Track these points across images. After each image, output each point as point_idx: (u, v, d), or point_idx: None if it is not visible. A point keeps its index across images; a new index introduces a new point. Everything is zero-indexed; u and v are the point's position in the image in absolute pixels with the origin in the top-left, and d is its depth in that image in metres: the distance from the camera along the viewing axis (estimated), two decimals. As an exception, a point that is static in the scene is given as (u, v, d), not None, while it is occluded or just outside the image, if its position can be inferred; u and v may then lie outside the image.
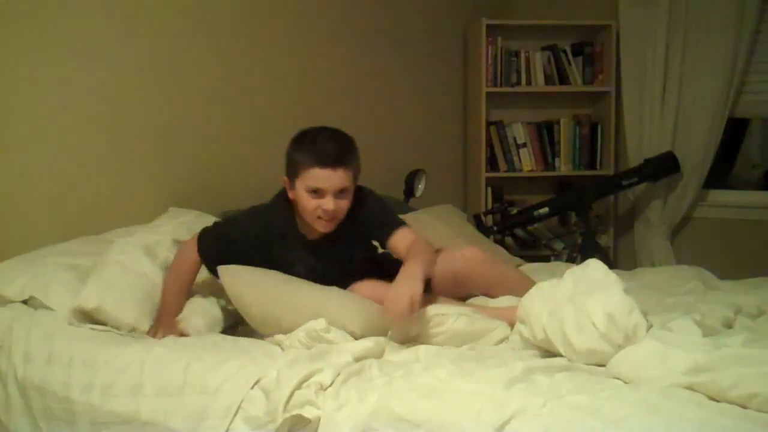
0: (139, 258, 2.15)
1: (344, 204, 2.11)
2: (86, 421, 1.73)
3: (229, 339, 1.98)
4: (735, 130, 4.37)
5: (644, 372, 1.52)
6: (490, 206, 4.04)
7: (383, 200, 2.35)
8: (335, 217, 2.10)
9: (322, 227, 2.11)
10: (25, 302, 2.05)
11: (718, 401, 1.42)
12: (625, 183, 3.81)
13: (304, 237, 2.19)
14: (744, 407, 1.38)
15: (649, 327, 1.70)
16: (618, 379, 1.57)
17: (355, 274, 2.15)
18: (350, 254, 2.23)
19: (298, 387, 1.54)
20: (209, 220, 2.58)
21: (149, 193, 2.64)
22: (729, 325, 1.95)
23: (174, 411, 1.63)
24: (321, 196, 2.07)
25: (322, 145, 2.10)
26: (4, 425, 1.86)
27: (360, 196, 2.23)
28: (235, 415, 1.55)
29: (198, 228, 2.49)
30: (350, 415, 1.49)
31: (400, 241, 2.18)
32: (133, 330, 1.99)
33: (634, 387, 1.50)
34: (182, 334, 2.00)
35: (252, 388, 1.61)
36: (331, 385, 1.56)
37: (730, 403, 1.39)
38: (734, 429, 1.30)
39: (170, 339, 1.94)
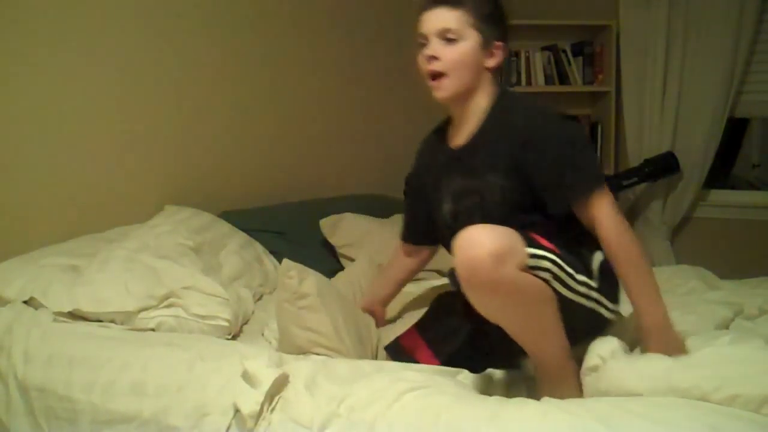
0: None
1: (453, 53, 1.70)
2: (87, 420, 1.72)
3: (233, 342, 1.99)
4: (735, 130, 4.37)
5: (625, 384, 1.50)
6: (490, 206, 4.04)
7: (559, 122, 1.69)
8: (443, 74, 1.72)
9: (433, 90, 1.75)
10: (25, 302, 2.05)
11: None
12: (625, 183, 3.82)
13: (448, 145, 1.84)
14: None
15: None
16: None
17: (499, 222, 1.57)
18: (485, 179, 1.71)
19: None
20: (206, 218, 2.59)
21: (145, 192, 2.64)
22: (726, 326, 1.96)
23: (175, 407, 1.63)
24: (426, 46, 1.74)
25: None
26: (5, 425, 1.86)
27: (507, 97, 1.78)
28: (237, 411, 1.55)
29: (196, 226, 2.49)
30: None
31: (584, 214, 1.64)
32: (128, 317, 1.99)
33: (618, 398, 1.48)
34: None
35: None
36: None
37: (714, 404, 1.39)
38: (716, 426, 1.30)
39: (170, 338, 1.94)
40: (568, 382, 1.61)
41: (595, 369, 1.57)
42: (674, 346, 1.58)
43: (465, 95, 1.77)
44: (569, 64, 4.15)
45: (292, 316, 1.90)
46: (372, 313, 2.10)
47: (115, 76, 2.53)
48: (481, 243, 1.50)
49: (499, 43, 1.76)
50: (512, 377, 1.75)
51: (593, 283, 1.66)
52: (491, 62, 1.76)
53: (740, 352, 1.48)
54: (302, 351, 1.87)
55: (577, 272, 1.63)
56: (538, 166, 1.66)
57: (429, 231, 2.00)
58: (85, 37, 2.44)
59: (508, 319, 1.59)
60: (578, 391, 1.61)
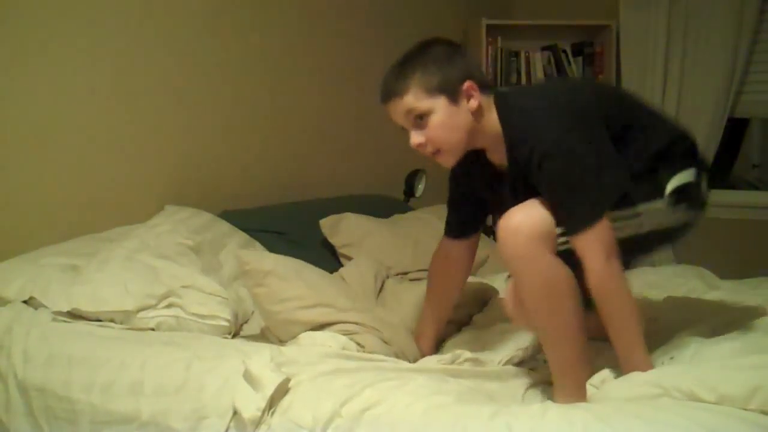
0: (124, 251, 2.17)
1: (431, 131, 1.69)
2: (87, 420, 1.72)
3: (231, 340, 1.99)
4: (735, 130, 4.37)
5: (618, 395, 1.52)
6: (490, 206, 4.04)
7: (556, 133, 1.61)
8: (437, 150, 1.72)
9: (440, 163, 1.78)
10: (25, 302, 2.05)
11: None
12: (625, 183, 3.81)
13: (489, 161, 1.81)
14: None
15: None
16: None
17: None
18: (533, 194, 1.68)
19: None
20: (206, 218, 2.59)
21: (145, 192, 2.64)
22: (725, 326, 1.96)
23: (174, 409, 1.63)
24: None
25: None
26: (5, 425, 1.86)
27: (508, 110, 1.71)
28: (235, 413, 1.55)
29: (195, 225, 2.49)
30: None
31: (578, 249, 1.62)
32: (127, 317, 1.99)
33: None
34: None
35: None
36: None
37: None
38: (711, 426, 1.31)
39: (168, 337, 1.94)
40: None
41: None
42: None
43: (472, 141, 1.73)
44: (569, 64, 4.15)
45: (266, 296, 1.92)
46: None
47: (114, 76, 2.53)
48: (519, 221, 1.59)
49: (467, 83, 1.68)
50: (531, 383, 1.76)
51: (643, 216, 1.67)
52: (473, 104, 1.69)
53: (724, 352, 1.50)
54: (292, 329, 1.88)
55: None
56: (542, 188, 1.64)
57: (474, 221, 2.02)
58: (84, 37, 2.44)
59: (536, 305, 1.61)
60: None
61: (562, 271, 1.60)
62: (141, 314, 1.98)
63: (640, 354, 1.61)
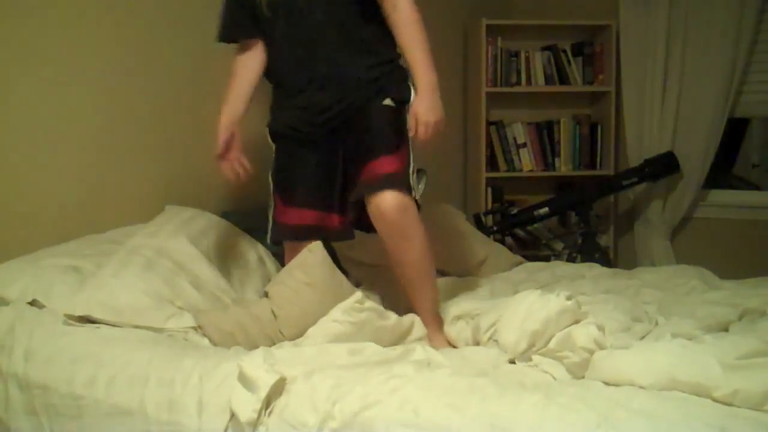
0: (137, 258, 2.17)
1: None
2: (91, 415, 1.73)
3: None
4: (735, 130, 4.37)
5: (629, 375, 1.52)
6: (490, 206, 4.04)
7: None
8: None
9: None
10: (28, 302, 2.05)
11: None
12: (625, 183, 3.81)
13: None
14: (729, 405, 1.39)
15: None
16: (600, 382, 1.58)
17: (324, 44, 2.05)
18: None
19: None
20: (209, 219, 2.59)
21: (145, 192, 2.64)
22: (726, 326, 1.96)
23: (177, 403, 1.63)
24: None
25: None
26: (5, 424, 1.86)
27: None
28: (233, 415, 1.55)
29: (200, 227, 2.49)
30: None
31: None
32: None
33: (618, 389, 1.50)
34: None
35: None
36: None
37: (715, 401, 1.40)
38: (721, 426, 1.30)
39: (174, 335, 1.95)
40: (440, 334, 2.03)
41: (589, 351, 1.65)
42: (436, 106, 2.12)
43: None
44: (569, 64, 4.15)
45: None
46: (233, 135, 2.30)
47: (114, 76, 2.53)
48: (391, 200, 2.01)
49: None
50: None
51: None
52: None
53: (740, 348, 1.49)
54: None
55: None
56: None
57: (251, 24, 2.17)
58: (83, 38, 2.44)
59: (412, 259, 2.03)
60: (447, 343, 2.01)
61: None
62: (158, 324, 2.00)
63: (432, 73, 2.13)
